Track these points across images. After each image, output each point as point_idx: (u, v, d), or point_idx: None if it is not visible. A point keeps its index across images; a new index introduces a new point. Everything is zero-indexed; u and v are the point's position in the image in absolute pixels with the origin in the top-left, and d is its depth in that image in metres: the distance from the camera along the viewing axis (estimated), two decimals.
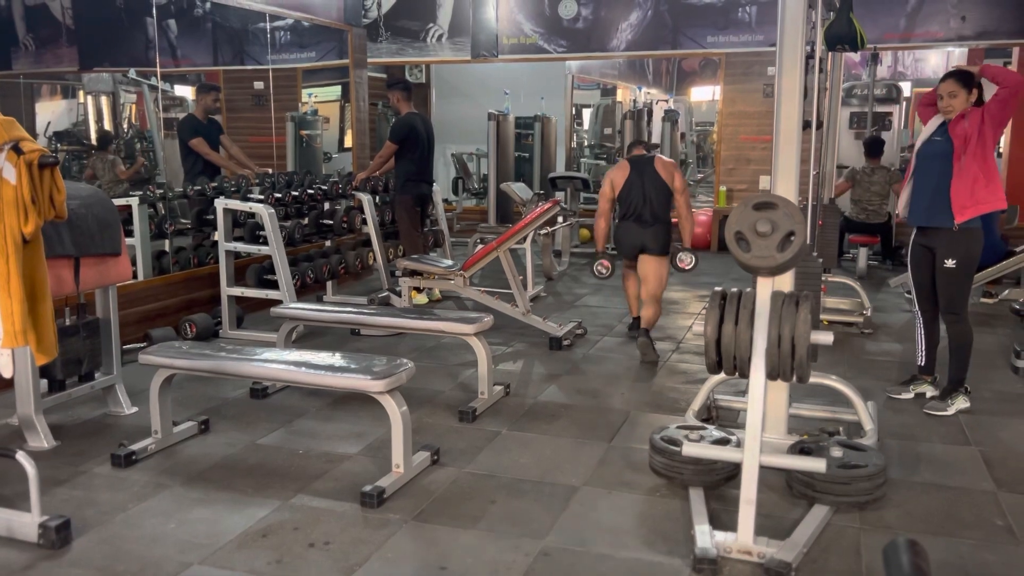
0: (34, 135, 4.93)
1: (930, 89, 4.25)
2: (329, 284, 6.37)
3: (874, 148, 7.92)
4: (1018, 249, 6.41)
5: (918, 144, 4.09)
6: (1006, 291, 6.45)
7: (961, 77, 3.93)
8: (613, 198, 5.30)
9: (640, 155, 5.38)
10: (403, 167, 6.50)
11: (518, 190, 8.09)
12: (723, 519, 2.83)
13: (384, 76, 10.85)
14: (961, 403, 4.02)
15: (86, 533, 2.81)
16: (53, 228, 3.42)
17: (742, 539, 2.61)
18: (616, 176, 5.29)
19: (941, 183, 3.89)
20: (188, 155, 6.87)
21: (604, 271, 5.37)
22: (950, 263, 3.91)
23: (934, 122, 4.03)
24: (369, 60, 8.96)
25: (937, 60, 10.86)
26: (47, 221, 3.04)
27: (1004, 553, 2.71)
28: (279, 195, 5.85)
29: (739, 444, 2.92)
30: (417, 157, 6.48)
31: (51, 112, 10.17)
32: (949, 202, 3.86)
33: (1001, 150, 8.90)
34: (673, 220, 5.29)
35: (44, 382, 3.71)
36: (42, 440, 3.56)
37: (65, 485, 3.20)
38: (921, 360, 4.26)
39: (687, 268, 5.26)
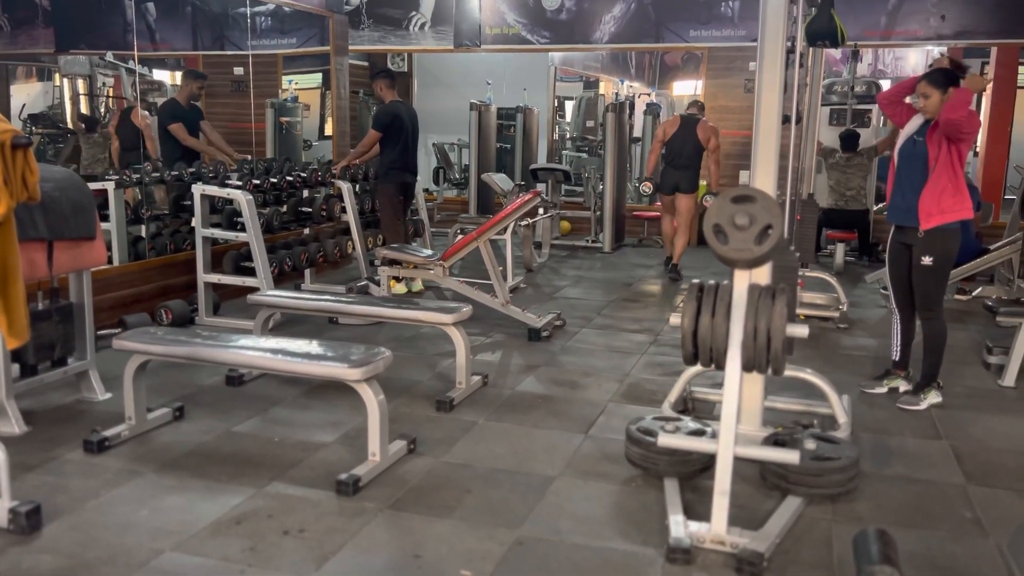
0: (8, 117, 4.84)
1: (891, 85, 4.25)
2: (307, 272, 6.33)
3: (849, 142, 7.98)
4: (992, 247, 6.49)
5: (900, 141, 4.09)
6: (979, 288, 6.53)
7: (934, 78, 3.91)
8: (664, 141, 7.05)
9: (691, 114, 7.11)
10: (386, 155, 6.47)
11: (499, 181, 8.08)
12: (697, 509, 2.84)
13: (366, 64, 10.79)
14: (933, 398, 4.07)
15: (57, 519, 2.78)
16: (26, 211, 3.37)
17: (716, 529, 2.63)
18: (668, 127, 7.10)
19: (920, 185, 3.92)
20: (167, 140, 6.80)
21: (647, 190, 7.40)
22: (926, 260, 3.95)
23: (916, 120, 4.04)
24: (351, 47, 8.90)
25: (917, 59, 10.94)
26: (20, 203, 3.00)
27: (972, 545, 2.75)
28: (257, 182, 5.80)
29: (714, 435, 2.94)
30: (401, 146, 6.45)
31: (26, 94, 10.02)
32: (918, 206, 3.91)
33: (977, 149, 9.00)
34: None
35: (16, 367, 3.66)
36: (13, 425, 3.51)
37: (36, 471, 3.16)
38: (895, 355, 4.31)
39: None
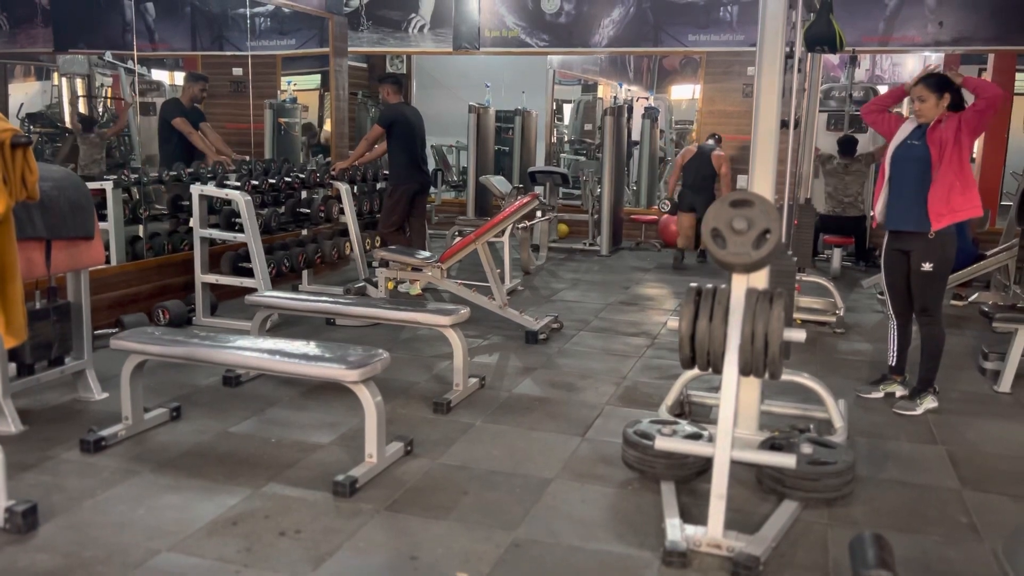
0: (7, 116, 4.85)
1: (877, 95, 4.28)
2: (305, 273, 6.33)
3: (847, 147, 8.00)
4: (988, 253, 6.51)
5: (892, 147, 4.10)
6: (975, 294, 6.55)
7: (930, 82, 3.93)
8: (683, 165, 8.10)
9: (706, 143, 8.15)
10: (398, 160, 6.49)
11: (497, 183, 8.09)
12: (694, 513, 2.85)
13: (365, 66, 10.80)
14: (929, 403, 4.08)
15: (53, 518, 2.78)
16: (24, 210, 3.37)
17: (712, 533, 2.64)
18: (687, 153, 8.20)
19: (919, 188, 3.91)
20: (167, 139, 6.81)
21: (666, 206, 8.44)
22: (927, 266, 3.95)
23: (908, 125, 4.06)
24: (350, 49, 8.90)
25: (914, 64, 10.97)
26: (18, 202, 3.01)
27: (967, 550, 2.76)
28: (256, 182, 5.80)
29: (711, 439, 2.95)
30: (410, 149, 6.49)
31: (24, 93, 10.01)
32: (926, 208, 3.90)
33: (974, 156, 9.03)
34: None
35: (12, 365, 3.65)
36: (9, 424, 3.50)
37: (33, 470, 3.16)
38: (892, 360, 4.31)
39: None
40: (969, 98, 3.93)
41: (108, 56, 9.38)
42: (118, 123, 8.61)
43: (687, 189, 8.03)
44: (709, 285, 2.89)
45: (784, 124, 3.80)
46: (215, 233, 5.51)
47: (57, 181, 3.69)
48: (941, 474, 3.36)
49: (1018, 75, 8.80)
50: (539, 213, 7.82)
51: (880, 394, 4.26)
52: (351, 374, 3.06)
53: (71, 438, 3.42)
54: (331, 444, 3.49)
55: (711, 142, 8.19)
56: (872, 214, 4.46)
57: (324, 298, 4.84)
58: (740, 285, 2.81)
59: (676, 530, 2.68)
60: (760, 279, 3.03)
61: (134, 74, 8.99)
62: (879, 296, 6.43)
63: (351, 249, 6.45)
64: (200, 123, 6.89)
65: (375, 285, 5.80)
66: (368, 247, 6.62)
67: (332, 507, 2.92)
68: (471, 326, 5.04)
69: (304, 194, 6.41)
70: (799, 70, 4.68)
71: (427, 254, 5.70)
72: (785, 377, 3.12)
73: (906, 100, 4.19)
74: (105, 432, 3.39)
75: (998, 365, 4.56)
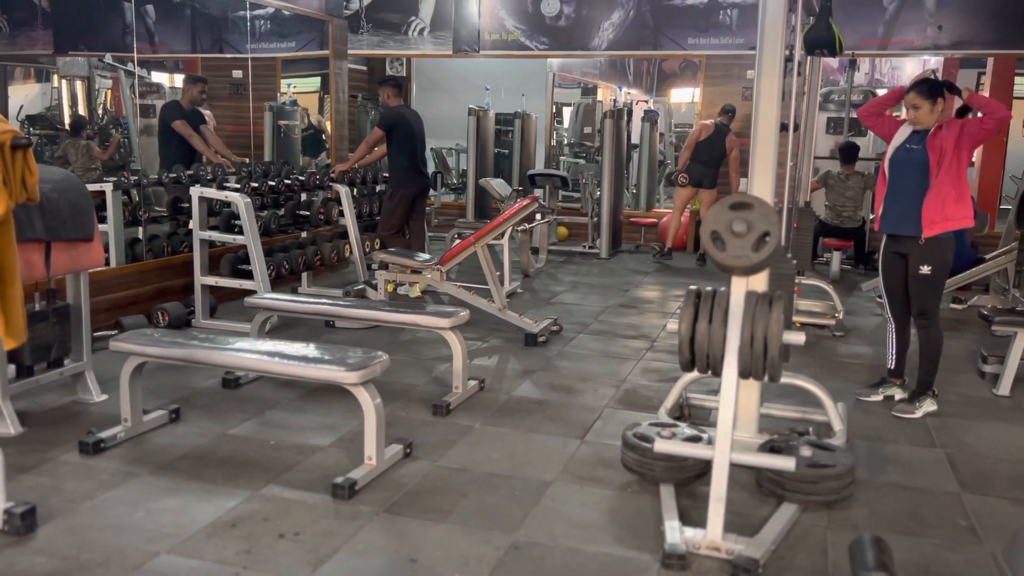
0: (6, 118, 4.85)
1: (874, 98, 4.29)
2: (304, 275, 6.33)
3: (849, 154, 7.99)
4: (987, 256, 6.51)
5: (891, 150, 4.10)
6: (975, 297, 6.55)
7: (922, 88, 3.92)
8: (698, 140, 8.27)
9: (724, 123, 8.26)
10: (398, 162, 6.49)
11: (497, 186, 8.09)
12: (693, 516, 2.85)
13: (365, 68, 10.81)
14: (928, 406, 4.08)
15: (52, 521, 2.77)
16: (24, 211, 3.37)
17: (711, 535, 2.63)
18: (703, 129, 8.32)
19: (917, 193, 3.91)
20: (167, 141, 6.80)
21: (684, 180, 8.35)
22: (925, 269, 3.95)
23: (907, 128, 4.06)
24: (350, 52, 8.91)
25: (913, 68, 10.99)
26: (18, 204, 3.01)
27: (966, 553, 2.76)
28: (255, 184, 5.80)
29: (710, 442, 2.94)
30: (410, 151, 6.49)
31: (24, 95, 10.02)
32: (921, 213, 3.91)
33: (974, 160, 9.04)
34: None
35: (12, 367, 3.65)
36: (8, 426, 3.50)
37: (31, 472, 3.15)
38: (891, 363, 4.31)
39: None
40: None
41: (108, 58, 9.39)
42: (109, 147, 8.62)
43: (696, 163, 8.25)
44: (708, 288, 2.89)
45: (784, 127, 3.81)
46: (215, 235, 5.51)
47: (57, 183, 3.69)
48: (940, 477, 3.36)
49: (1017, 79, 8.80)
50: (539, 216, 7.82)
51: (879, 397, 4.26)
52: (350, 376, 3.06)
53: (70, 440, 3.42)
54: (330, 446, 3.49)
55: (725, 120, 8.28)
56: (874, 216, 4.47)
57: (323, 300, 4.84)
58: (740, 288, 2.81)
59: (675, 533, 2.68)
60: (760, 282, 3.03)
61: (134, 76, 8.99)
62: (878, 299, 6.43)
63: (350, 251, 6.45)
64: (200, 125, 6.90)
65: (374, 287, 5.79)
66: (368, 249, 6.62)
67: (331, 509, 2.91)
68: (470, 328, 5.04)
69: (304, 196, 6.41)
70: (799, 73, 4.69)
71: (426, 256, 5.70)
72: (784, 380, 3.13)
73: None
74: (104, 434, 3.38)
75: (997, 368, 4.57)
